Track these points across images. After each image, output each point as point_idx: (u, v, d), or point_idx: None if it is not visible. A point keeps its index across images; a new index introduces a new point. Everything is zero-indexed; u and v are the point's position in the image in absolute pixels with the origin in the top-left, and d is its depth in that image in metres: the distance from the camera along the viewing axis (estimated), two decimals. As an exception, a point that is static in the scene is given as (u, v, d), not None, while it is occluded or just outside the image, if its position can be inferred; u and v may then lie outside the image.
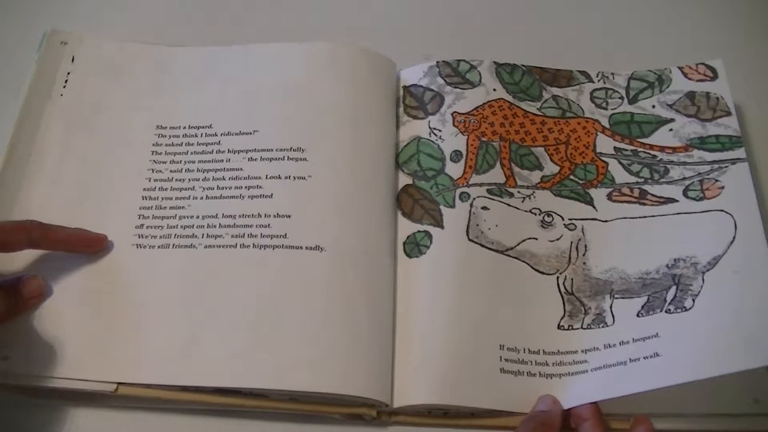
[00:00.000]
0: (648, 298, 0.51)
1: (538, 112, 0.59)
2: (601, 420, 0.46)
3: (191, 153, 0.56)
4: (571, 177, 0.57)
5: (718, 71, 0.60)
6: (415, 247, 0.54)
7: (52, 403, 0.50)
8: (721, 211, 0.53)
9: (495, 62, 0.61)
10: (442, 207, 0.55)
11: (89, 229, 0.52)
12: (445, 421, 0.50)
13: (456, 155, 0.57)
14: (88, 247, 0.52)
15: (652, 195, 0.56)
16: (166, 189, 0.55)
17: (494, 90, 0.59)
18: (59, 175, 0.55)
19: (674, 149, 0.58)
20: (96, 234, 0.52)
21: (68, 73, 0.59)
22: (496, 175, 0.56)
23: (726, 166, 0.56)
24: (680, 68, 0.61)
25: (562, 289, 0.53)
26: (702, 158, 0.57)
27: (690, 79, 0.60)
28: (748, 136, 0.59)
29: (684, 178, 0.56)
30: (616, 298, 0.52)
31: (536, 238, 0.54)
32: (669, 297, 0.51)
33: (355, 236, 0.52)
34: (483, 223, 0.54)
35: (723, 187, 0.55)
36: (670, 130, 0.58)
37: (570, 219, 0.55)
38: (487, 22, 0.68)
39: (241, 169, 0.55)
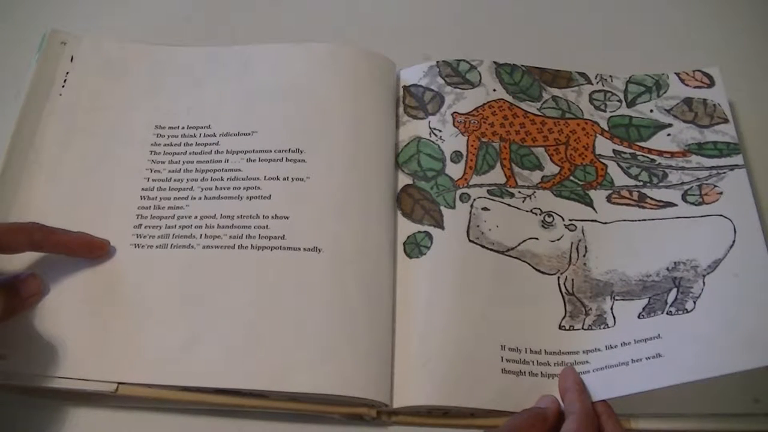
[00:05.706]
0: (649, 300, 0.51)
1: (538, 113, 0.59)
2: (614, 413, 0.46)
3: (190, 153, 0.56)
4: (571, 178, 0.57)
5: (715, 79, 0.60)
6: (416, 247, 0.53)
7: (51, 403, 0.49)
8: (721, 215, 0.54)
9: (495, 62, 0.61)
10: (442, 208, 0.54)
11: (88, 229, 0.52)
12: (445, 421, 0.50)
13: (456, 156, 0.56)
14: (89, 251, 0.51)
15: (651, 198, 0.56)
16: (164, 189, 0.55)
17: (494, 90, 0.59)
18: (58, 174, 0.55)
19: (672, 154, 0.58)
20: (98, 239, 0.52)
21: (67, 73, 0.59)
22: (497, 175, 0.56)
23: (724, 172, 0.56)
24: (677, 74, 0.61)
25: (563, 290, 0.53)
26: (700, 164, 0.57)
27: (687, 85, 0.60)
28: (744, 142, 0.59)
29: (682, 183, 0.56)
30: (617, 299, 0.52)
31: (537, 238, 0.54)
32: (670, 299, 0.51)
33: (353, 237, 0.52)
34: (483, 224, 0.54)
35: (721, 193, 0.55)
36: (668, 134, 0.59)
37: (570, 220, 0.55)
38: (487, 22, 0.68)
39: (240, 169, 0.55)
